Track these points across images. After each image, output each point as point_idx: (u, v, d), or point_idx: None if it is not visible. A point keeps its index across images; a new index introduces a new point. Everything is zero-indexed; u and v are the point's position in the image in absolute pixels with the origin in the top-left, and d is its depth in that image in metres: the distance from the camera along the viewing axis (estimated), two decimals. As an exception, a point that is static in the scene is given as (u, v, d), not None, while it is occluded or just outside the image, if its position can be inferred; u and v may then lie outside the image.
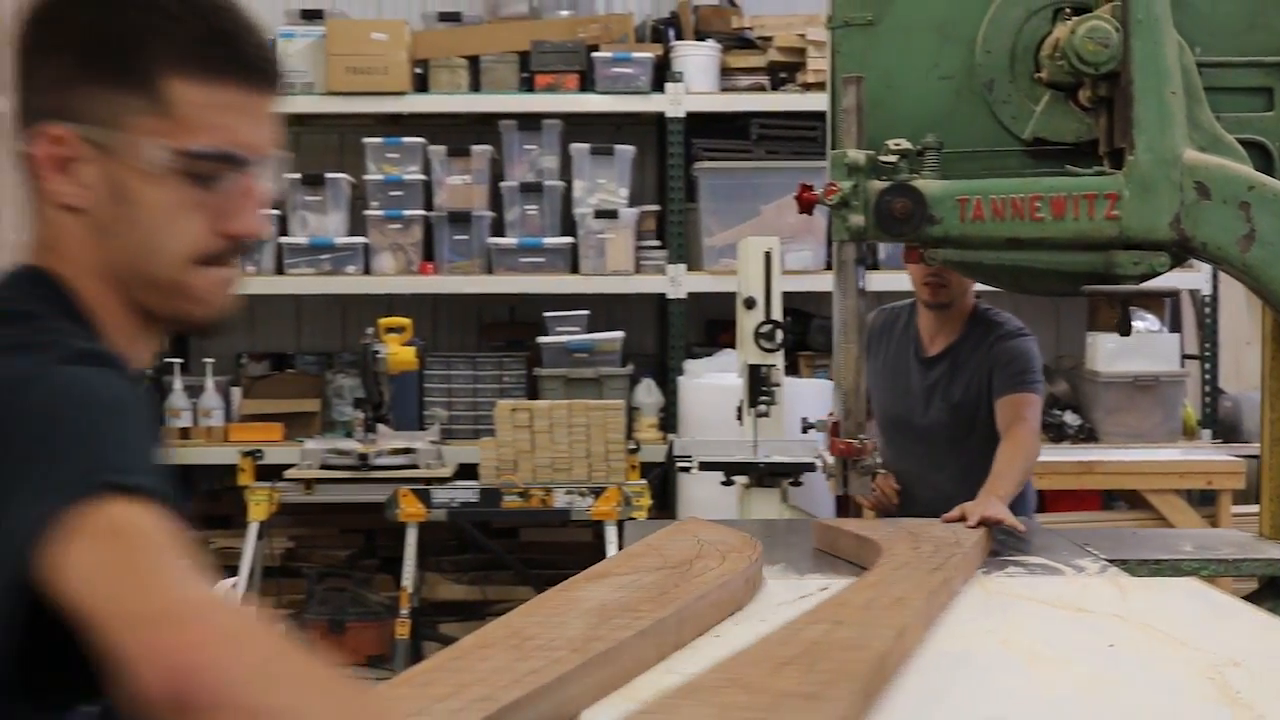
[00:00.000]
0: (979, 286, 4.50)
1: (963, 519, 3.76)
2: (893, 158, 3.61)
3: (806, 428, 4.73)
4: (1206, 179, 3.55)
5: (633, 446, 6.79)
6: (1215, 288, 7.53)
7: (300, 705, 1.22)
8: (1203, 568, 3.69)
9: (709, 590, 2.79)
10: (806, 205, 3.72)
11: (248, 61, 1.51)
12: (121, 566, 1.25)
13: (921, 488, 4.56)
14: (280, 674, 1.23)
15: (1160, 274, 3.62)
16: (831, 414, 3.95)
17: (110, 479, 1.28)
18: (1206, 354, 7.63)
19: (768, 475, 5.74)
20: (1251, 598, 3.84)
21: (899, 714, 2.18)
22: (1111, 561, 3.59)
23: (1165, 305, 7.67)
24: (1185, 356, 7.58)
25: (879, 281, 6.36)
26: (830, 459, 3.98)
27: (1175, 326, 7.79)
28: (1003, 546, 3.77)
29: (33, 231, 1.54)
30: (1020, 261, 3.68)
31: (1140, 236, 3.57)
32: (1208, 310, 7.60)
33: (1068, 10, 3.72)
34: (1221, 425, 7.62)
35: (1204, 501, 7.02)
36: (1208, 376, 7.63)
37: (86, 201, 1.48)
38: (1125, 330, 3.83)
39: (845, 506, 6.38)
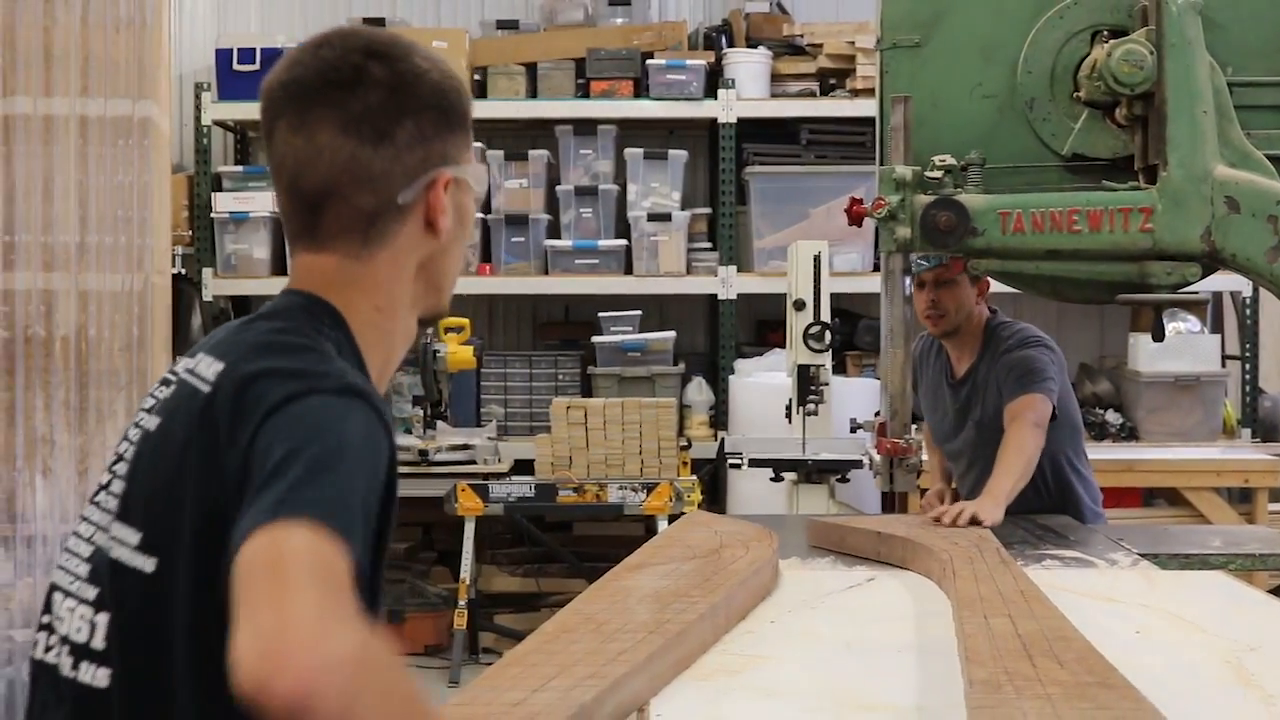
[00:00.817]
0: (998, 287, 4.60)
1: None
2: (938, 173, 3.82)
3: (855, 428, 4.92)
4: (1236, 194, 3.75)
5: (684, 443, 6.99)
6: (1256, 290, 7.64)
7: None
8: (1230, 562, 3.87)
9: (748, 577, 3.00)
10: (856, 218, 3.93)
11: None
12: (275, 580, 1.40)
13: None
14: (368, 708, 1.37)
15: (1192, 283, 3.83)
16: (879, 414, 4.15)
17: (311, 513, 1.46)
18: (1247, 354, 7.76)
19: (816, 472, 5.94)
20: (1277, 591, 4.04)
21: (943, 692, 2.38)
22: (1143, 555, 3.79)
23: (1206, 307, 7.81)
24: (1226, 357, 7.71)
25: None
26: (877, 457, 4.18)
27: (1216, 328, 7.95)
28: (1041, 541, 3.97)
29: (318, 277, 1.77)
30: (1059, 272, 3.89)
31: (1173, 248, 3.77)
32: (1248, 312, 7.72)
33: (1105, 33, 3.92)
34: (1261, 424, 7.75)
35: (1243, 499, 7.18)
36: (1248, 377, 7.76)
37: (448, 229, 1.79)
38: (1159, 336, 4.02)
39: (891, 503, 6.57)
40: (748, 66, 7.74)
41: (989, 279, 4.49)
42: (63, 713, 1.70)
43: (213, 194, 7.71)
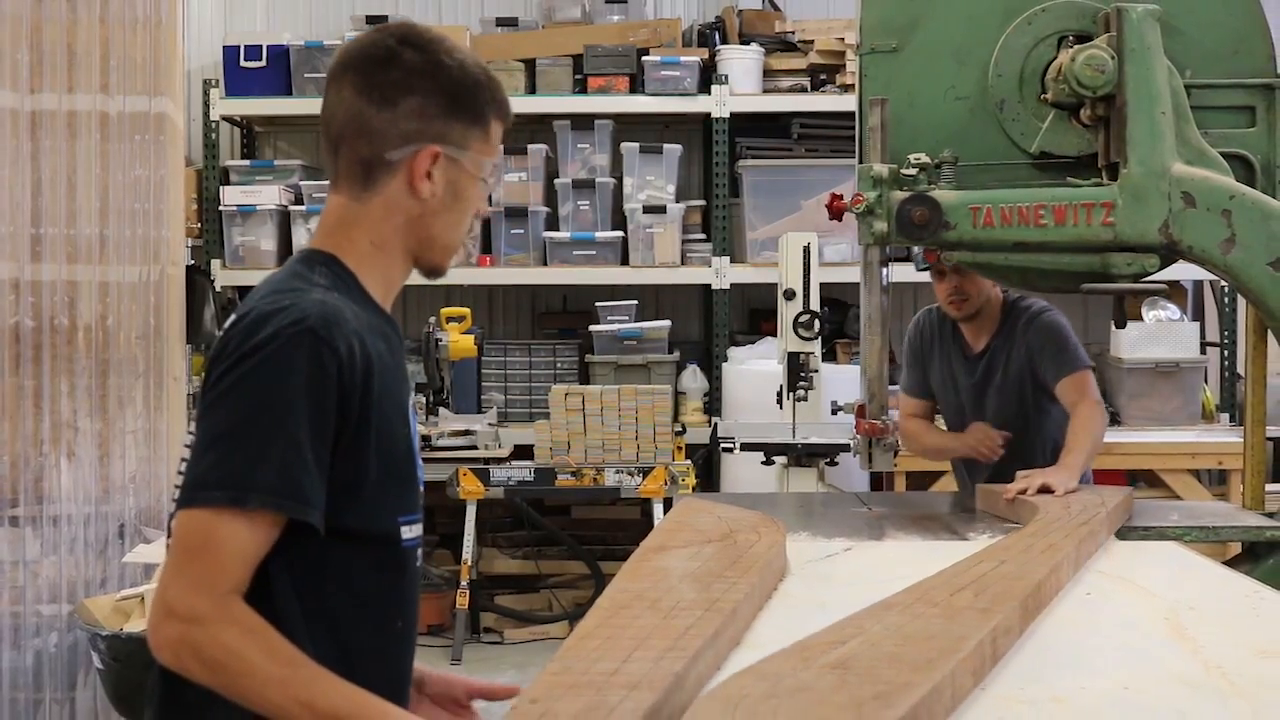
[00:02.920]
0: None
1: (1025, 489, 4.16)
2: (913, 170, 4.06)
3: (836, 410, 5.14)
4: (1192, 189, 3.99)
5: (679, 429, 7.19)
6: (1234, 279, 7.83)
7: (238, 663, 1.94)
8: (1185, 534, 4.10)
9: (772, 560, 3.18)
10: (837, 213, 4.18)
11: (510, 113, 2.28)
12: (177, 558, 1.97)
13: (983, 467, 4.88)
14: (240, 659, 1.94)
15: (1151, 274, 4.07)
16: (859, 399, 4.39)
17: (200, 496, 1.97)
18: (1226, 341, 7.96)
19: (805, 455, 6.16)
20: (1233, 561, 4.28)
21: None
22: (1104, 528, 4.02)
23: (1187, 295, 8.03)
24: (1205, 344, 7.92)
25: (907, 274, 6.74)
26: (857, 438, 4.42)
27: (1197, 315, 8.16)
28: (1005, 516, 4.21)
29: (331, 216, 2.22)
30: (1026, 263, 4.13)
31: (1133, 240, 4.01)
32: (1227, 300, 7.92)
33: (1070, 38, 4.16)
34: (1239, 409, 7.92)
35: (1221, 481, 7.40)
36: (1227, 363, 7.97)
37: (431, 194, 2.18)
38: (1121, 323, 4.27)
39: (879, 482, 6.80)
40: (740, 62, 7.94)
41: None
42: None
43: (221, 187, 7.92)
